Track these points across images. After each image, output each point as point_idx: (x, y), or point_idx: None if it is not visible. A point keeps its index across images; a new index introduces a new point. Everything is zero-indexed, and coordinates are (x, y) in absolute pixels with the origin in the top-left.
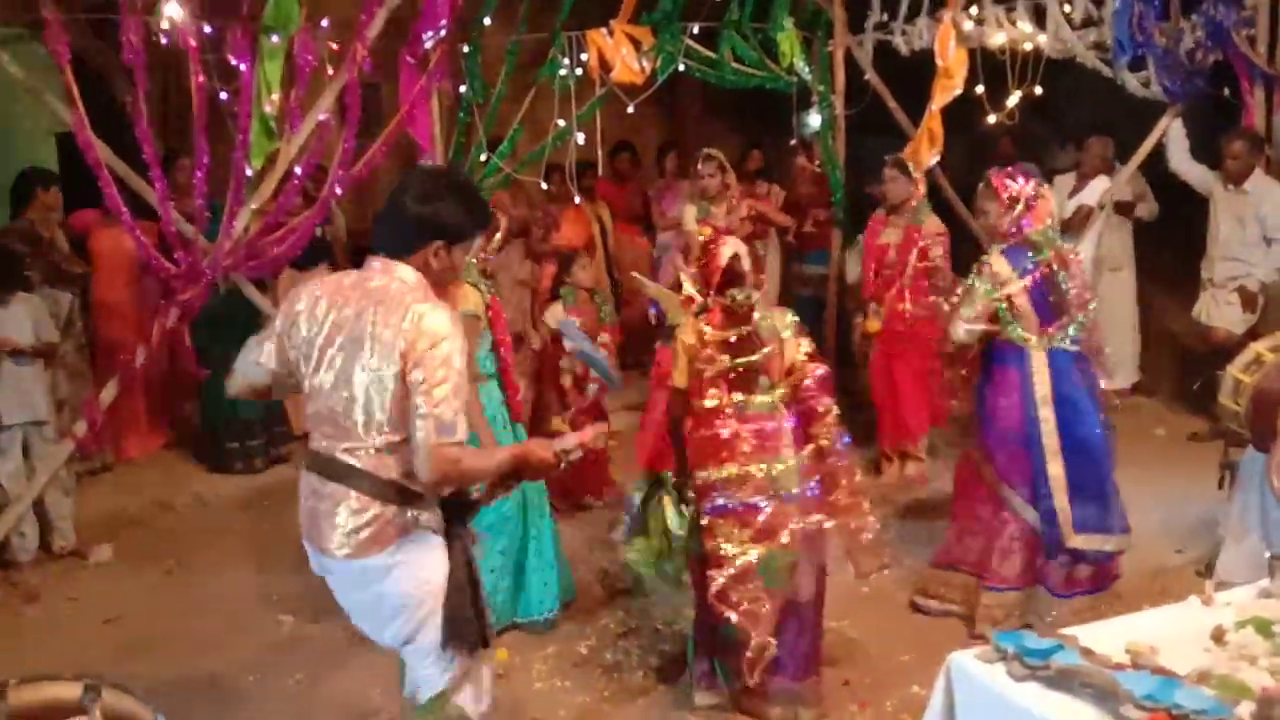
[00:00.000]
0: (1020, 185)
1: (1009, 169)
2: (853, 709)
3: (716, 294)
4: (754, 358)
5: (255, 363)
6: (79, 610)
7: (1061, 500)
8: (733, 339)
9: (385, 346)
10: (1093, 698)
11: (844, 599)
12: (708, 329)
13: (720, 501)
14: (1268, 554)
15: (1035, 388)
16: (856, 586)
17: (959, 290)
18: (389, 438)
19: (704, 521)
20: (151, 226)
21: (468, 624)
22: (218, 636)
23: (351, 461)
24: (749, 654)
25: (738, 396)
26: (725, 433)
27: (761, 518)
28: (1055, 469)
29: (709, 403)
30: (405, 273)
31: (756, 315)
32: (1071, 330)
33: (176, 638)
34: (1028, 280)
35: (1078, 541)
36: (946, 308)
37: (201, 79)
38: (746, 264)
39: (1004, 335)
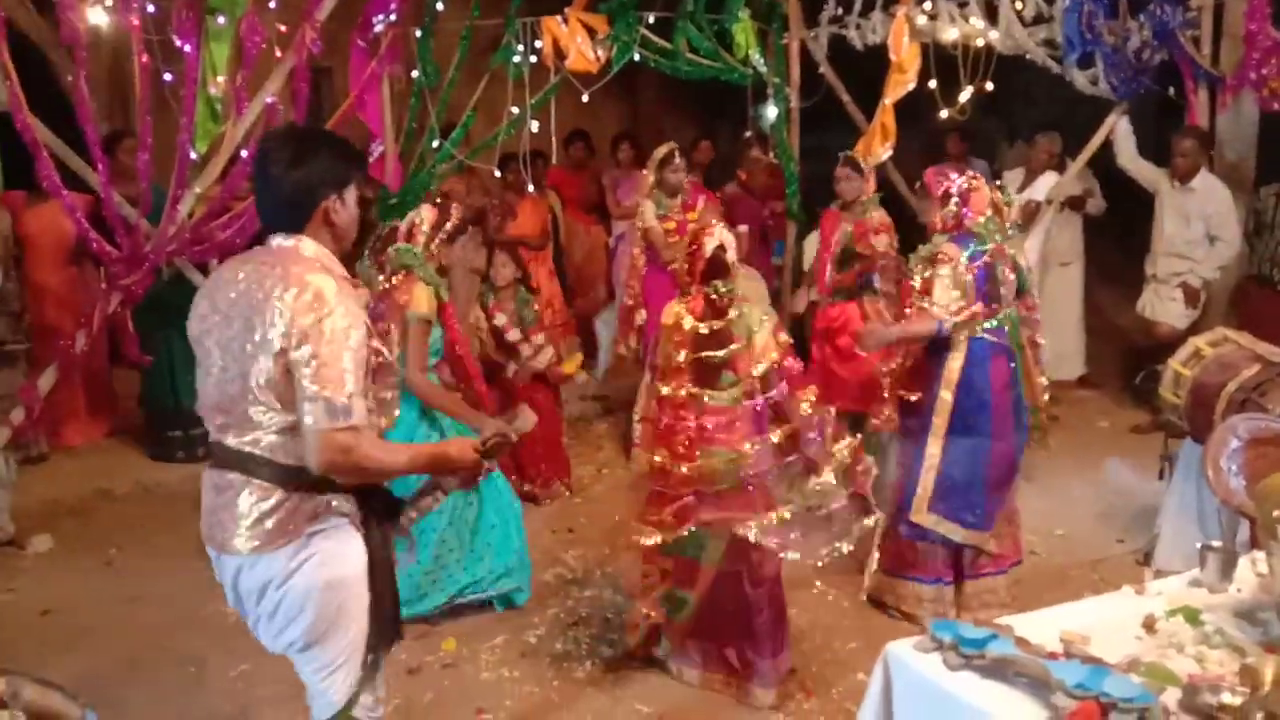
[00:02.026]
0: (952, 180)
1: (941, 166)
2: (799, 697)
3: (700, 283)
4: (719, 353)
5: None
6: (16, 601)
7: (927, 477)
8: (704, 331)
9: (267, 323)
10: (1026, 686)
11: (791, 589)
12: (688, 318)
13: (655, 485)
14: (1199, 544)
15: (946, 370)
16: (806, 577)
17: (915, 283)
18: (283, 421)
19: (643, 499)
20: (82, 200)
21: (390, 619)
22: (159, 628)
23: (249, 449)
24: (628, 618)
25: (695, 390)
26: (675, 424)
27: (681, 503)
28: (934, 448)
29: (664, 390)
30: (306, 246)
31: (733, 312)
32: (994, 322)
33: (116, 629)
34: (976, 264)
35: (923, 519)
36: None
37: (145, 59)
38: (732, 255)
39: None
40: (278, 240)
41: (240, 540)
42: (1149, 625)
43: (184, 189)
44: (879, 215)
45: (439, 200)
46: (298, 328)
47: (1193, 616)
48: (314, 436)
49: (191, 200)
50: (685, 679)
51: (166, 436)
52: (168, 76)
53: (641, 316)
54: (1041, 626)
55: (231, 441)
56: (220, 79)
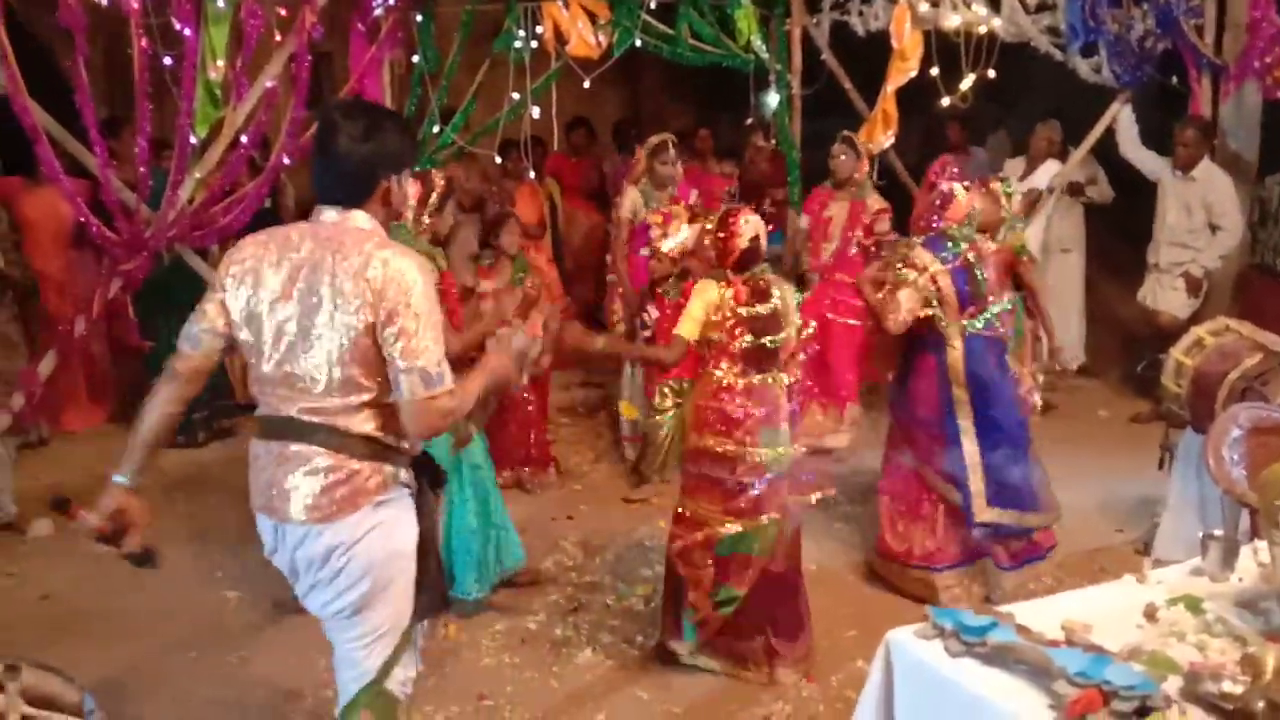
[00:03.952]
0: (945, 178)
1: (947, 163)
2: (799, 683)
3: (734, 271)
4: (779, 337)
5: (202, 330)
6: (15, 586)
7: (975, 476)
8: (761, 312)
9: (347, 298)
10: (1027, 674)
11: None
12: (733, 304)
13: (707, 471)
14: (1200, 533)
15: (951, 370)
16: (805, 563)
17: (887, 276)
18: (359, 395)
19: (687, 484)
20: (80, 186)
21: (435, 590)
22: (157, 613)
23: (318, 420)
24: (699, 614)
25: (751, 375)
26: (734, 412)
27: (751, 494)
28: (970, 446)
29: (717, 373)
30: (360, 219)
31: (775, 292)
32: (986, 316)
33: (114, 615)
34: (949, 266)
35: (989, 515)
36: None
37: (144, 43)
38: (765, 243)
39: (934, 320)
40: (330, 215)
41: (307, 510)
42: (1150, 614)
43: (184, 174)
44: (875, 199)
45: (422, 172)
46: (386, 304)
47: (1194, 605)
48: (414, 406)
49: (191, 185)
50: (707, 666)
51: None
52: (167, 60)
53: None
54: (1043, 614)
55: (298, 413)
56: (220, 63)
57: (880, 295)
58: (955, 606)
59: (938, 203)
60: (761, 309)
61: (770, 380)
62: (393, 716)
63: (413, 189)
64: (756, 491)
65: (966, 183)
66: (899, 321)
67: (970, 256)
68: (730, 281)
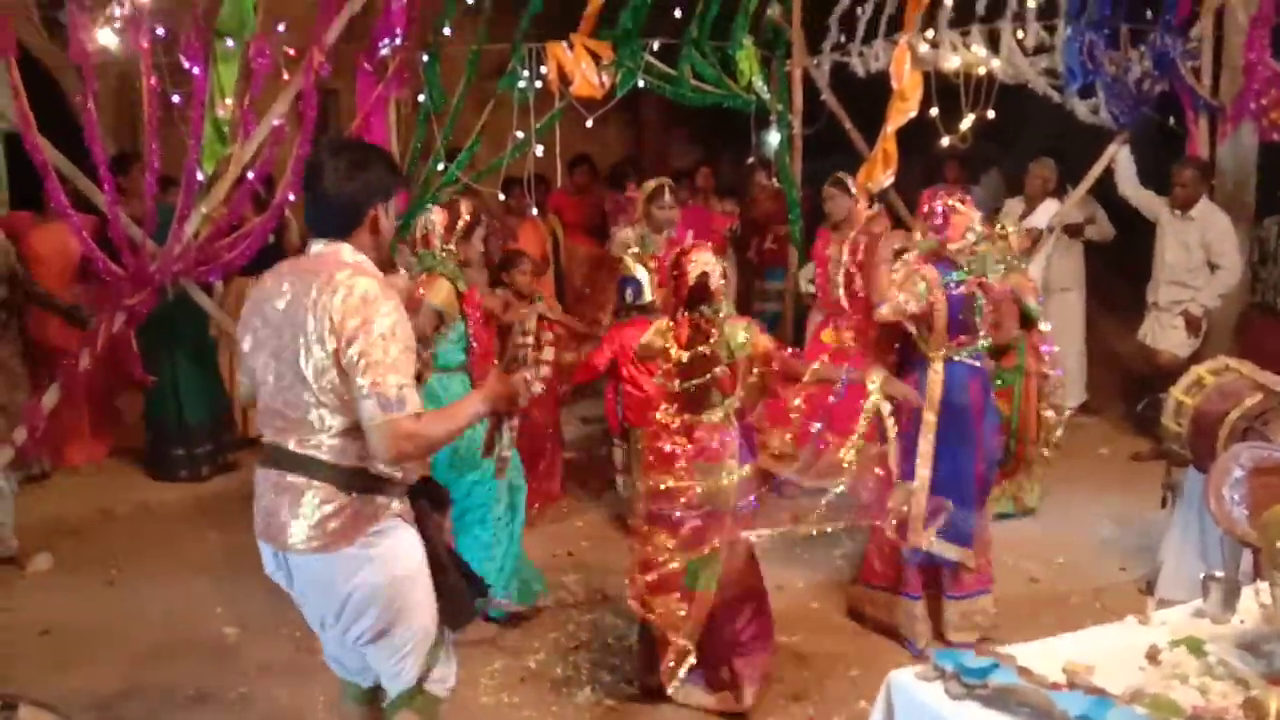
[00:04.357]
0: (939, 199)
1: (937, 188)
2: None
3: (685, 309)
4: (704, 379)
5: (241, 373)
6: (14, 621)
7: (919, 499)
8: (685, 359)
9: (319, 328)
10: (1029, 717)
11: (794, 616)
12: (673, 349)
13: (656, 509)
14: (1202, 574)
15: (928, 393)
16: (805, 602)
17: (896, 266)
18: (341, 424)
19: (643, 526)
20: (88, 221)
21: (460, 599)
22: (158, 648)
23: (309, 453)
24: (670, 660)
25: (687, 415)
26: (668, 448)
27: (690, 527)
28: (923, 471)
29: (658, 415)
30: (345, 252)
31: (714, 334)
32: (975, 348)
33: (115, 650)
34: (949, 292)
35: (919, 540)
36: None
37: (154, 81)
38: (716, 281)
39: (916, 341)
40: (317, 247)
41: (301, 539)
42: (1152, 656)
43: (190, 209)
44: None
45: (449, 200)
46: (347, 329)
47: (1196, 647)
48: (375, 430)
49: (197, 220)
50: (696, 702)
51: (169, 456)
52: (175, 98)
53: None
54: (1044, 656)
55: (293, 445)
56: (228, 101)
57: (887, 279)
58: (915, 640)
59: (938, 222)
60: (700, 349)
61: (706, 418)
62: (434, 712)
63: (439, 218)
64: (697, 523)
65: (960, 198)
66: (892, 308)
67: (975, 291)
68: (678, 321)
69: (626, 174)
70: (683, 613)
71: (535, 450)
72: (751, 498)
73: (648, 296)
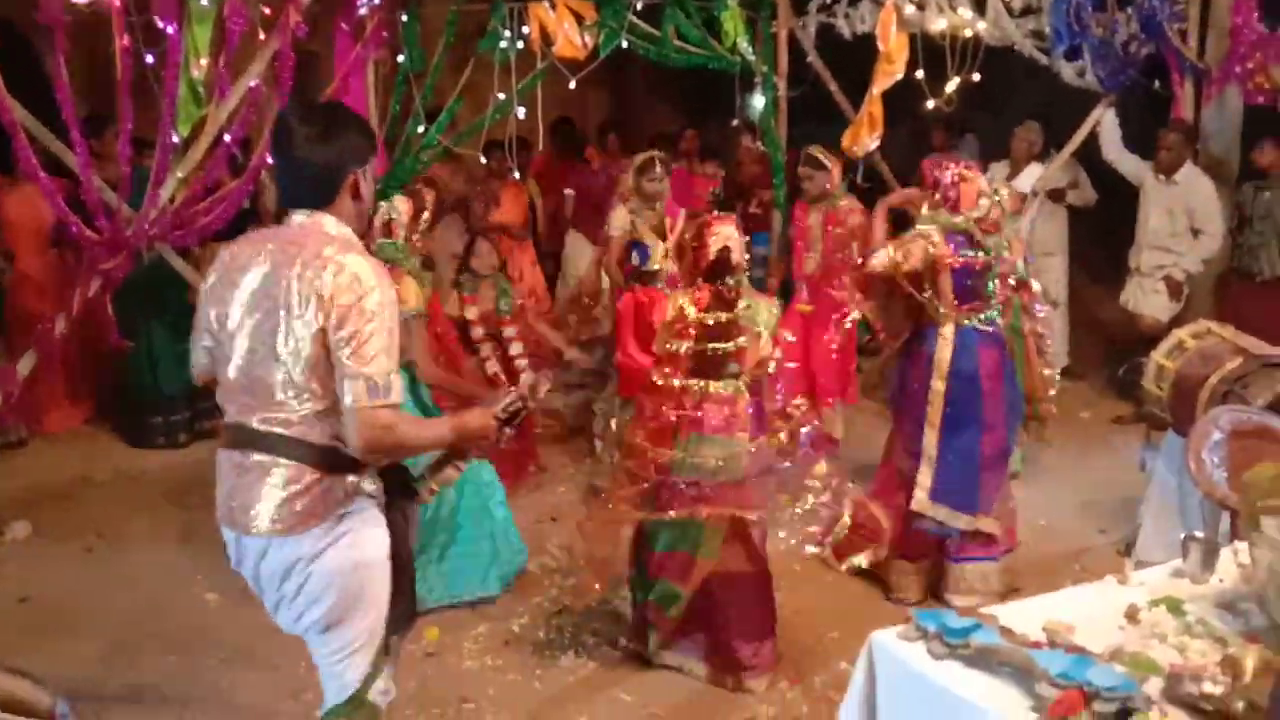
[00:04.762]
0: (945, 169)
1: (938, 157)
2: (782, 685)
3: (705, 279)
4: (726, 345)
5: (196, 343)
6: None
7: (926, 469)
8: (710, 322)
9: (302, 303)
10: (1010, 675)
11: (775, 576)
12: (691, 309)
13: (633, 467)
14: (1181, 535)
15: (936, 361)
16: (789, 564)
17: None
18: (315, 403)
19: (615, 475)
20: (60, 184)
21: (410, 602)
22: (139, 614)
23: (277, 430)
24: (668, 612)
25: (697, 382)
26: (666, 412)
27: (672, 491)
28: (930, 437)
29: (657, 379)
30: (328, 223)
31: (742, 303)
32: (985, 316)
33: (95, 616)
34: (954, 259)
35: (925, 507)
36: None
37: (126, 41)
38: (738, 254)
39: (927, 307)
40: (298, 218)
41: (267, 522)
42: (1132, 615)
43: (166, 172)
44: (847, 202)
45: (414, 188)
46: (338, 308)
47: (1175, 607)
48: (356, 414)
49: (173, 184)
50: (688, 670)
51: (147, 423)
52: (149, 58)
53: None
54: (1025, 616)
55: (258, 423)
56: (203, 61)
57: (881, 232)
58: (905, 596)
59: (951, 194)
60: (720, 316)
61: (713, 388)
62: None
63: (404, 206)
64: (680, 489)
65: (965, 164)
66: (882, 261)
67: (992, 262)
68: (699, 288)
69: (584, 140)
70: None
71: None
72: (761, 469)
73: (655, 264)
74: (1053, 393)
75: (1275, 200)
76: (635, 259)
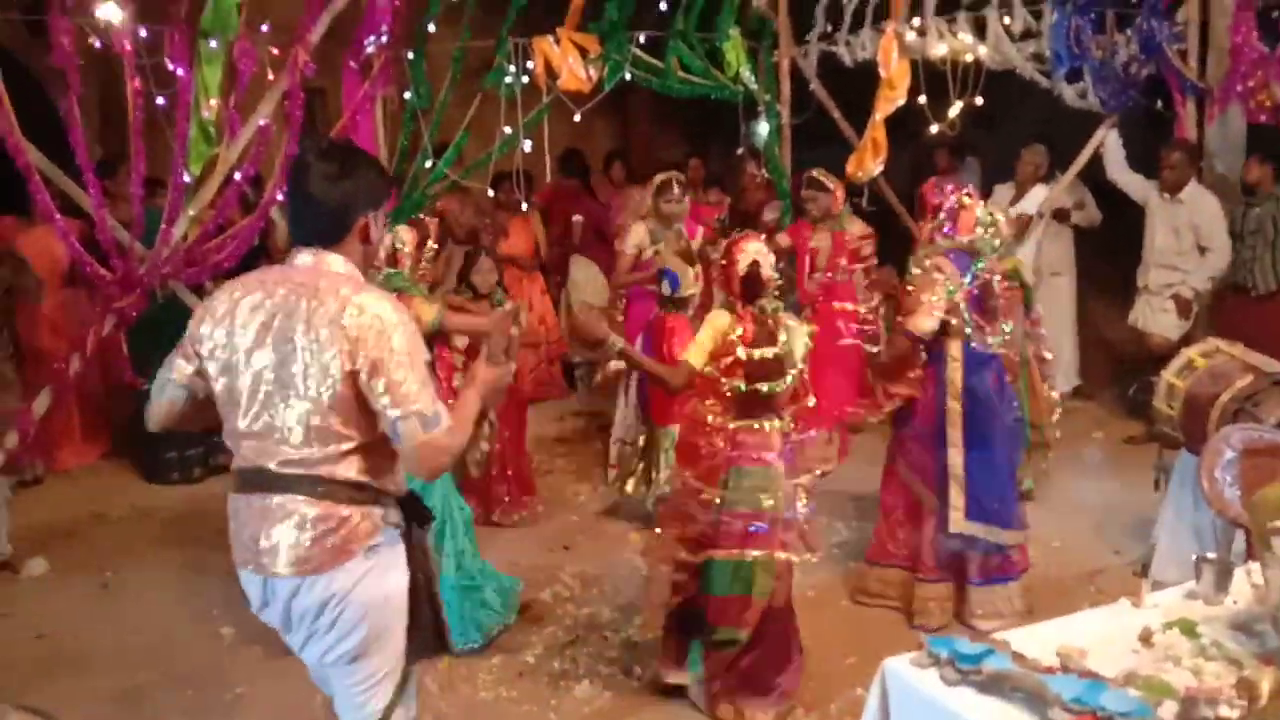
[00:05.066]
0: (946, 195)
1: (939, 180)
2: (798, 712)
3: (743, 303)
4: (777, 385)
5: (169, 380)
6: (10, 625)
7: (957, 488)
8: (757, 357)
9: (323, 346)
10: (1023, 701)
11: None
12: (740, 348)
13: (679, 504)
14: (1194, 555)
15: (949, 381)
16: (802, 590)
17: (909, 287)
18: (339, 444)
19: (664, 511)
20: (74, 225)
21: (428, 631)
22: (154, 650)
23: (299, 470)
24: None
25: (737, 420)
26: (708, 448)
27: (718, 528)
28: (955, 458)
29: (707, 415)
30: (335, 262)
31: (781, 336)
32: (996, 338)
33: (111, 652)
34: (970, 287)
35: (964, 527)
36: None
37: (137, 83)
38: (768, 270)
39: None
40: (304, 257)
41: (298, 563)
42: (1146, 638)
43: (178, 211)
44: (858, 226)
45: (417, 218)
46: (369, 352)
47: (1189, 629)
48: (417, 450)
49: (185, 222)
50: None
51: (161, 459)
52: (160, 99)
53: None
54: (1038, 641)
55: (277, 466)
56: (213, 101)
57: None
58: (927, 622)
59: (945, 216)
60: (766, 352)
61: (756, 426)
62: None
63: (409, 236)
64: (725, 526)
65: (967, 190)
66: (926, 325)
67: (993, 277)
68: (740, 315)
69: (613, 164)
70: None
71: (511, 454)
72: (799, 507)
73: (686, 289)
74: (1055, 417)
75: (1265, 215)
76: (666, 287)
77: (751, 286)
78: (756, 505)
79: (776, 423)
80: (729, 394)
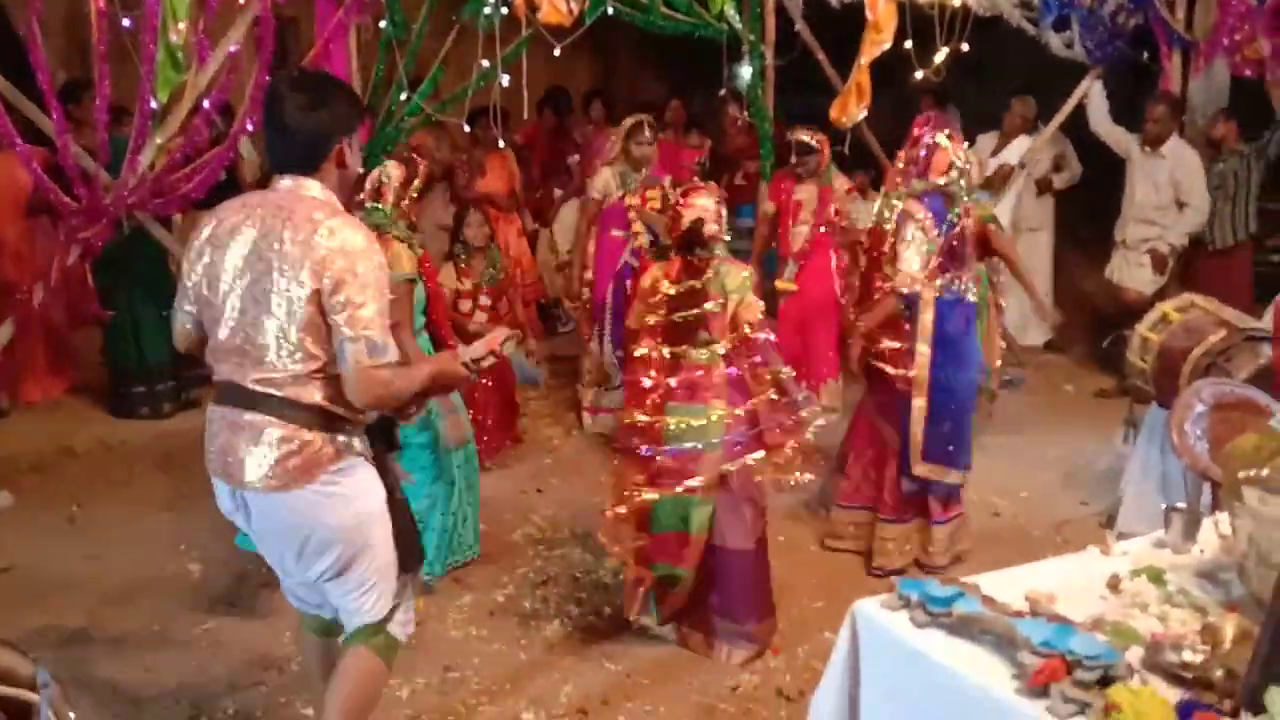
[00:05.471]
0: (929, 133)
1: (931, 117)
2: (765, 655)
3: (677, 251)
4: (692, 312)
5: (178, 307)
6: None
7: (917, 430)
8: (674, 292)
9: (295, 266)
10: (992, 644)
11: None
12: (665, 283)
13: (626, 444)
14: (1164, 505)
15: (920, 327)
16: (772, 535)
17: (889, 244)
18: (307, 363)
19: (614, 460)
20: (37, 152)
21: (413, 542)
22: (122, 585)
23: (269, 390)
24: (626, 587)
25: (669, 350)
26: (646, 382)
27: (660, 464)
28: (919, 401)
29: (638, 352)
30: (313, 188)
31: (709, 272)
32: (968, 286)
33: (78, 587)
34: (943, 231)
35: (922, 470)
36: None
37: (101, 3)
38: (712, 226)
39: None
40: (285, 183)
41: (263, 479)
42: (1114, 585)
43: (144, 139)
44: (841, 180)
45: (407, 156)
46: (332, 272)
47: (1156, 577)
48: (359, 374)
49: (152, 151)
50: (693, 646)
51: (129, 393)
52: (126, 22)
53: (588, 279)
54: (1008, 585)
55: (251, 383)
56: (182, 26)
57: (883, 288)
58: (885, 563)
59: (922, 154)
60: (690, 284)
61: (691, 354)
62: (393, 654)
63: (397, 172)
64: (669, 461)
65: (949, 132)
66: (911, 286)
67: (967, 221)
68: (671, 260)
69: (593, 102)
70: (644, 547)
71: (498, 400)
72: (739, 434)
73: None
74: (999, 364)
75: (1228, 171)
76: (646, 239)
77: (690, 240)
78: (696, 441)
79: (711, 351)
80: (657, 326)
